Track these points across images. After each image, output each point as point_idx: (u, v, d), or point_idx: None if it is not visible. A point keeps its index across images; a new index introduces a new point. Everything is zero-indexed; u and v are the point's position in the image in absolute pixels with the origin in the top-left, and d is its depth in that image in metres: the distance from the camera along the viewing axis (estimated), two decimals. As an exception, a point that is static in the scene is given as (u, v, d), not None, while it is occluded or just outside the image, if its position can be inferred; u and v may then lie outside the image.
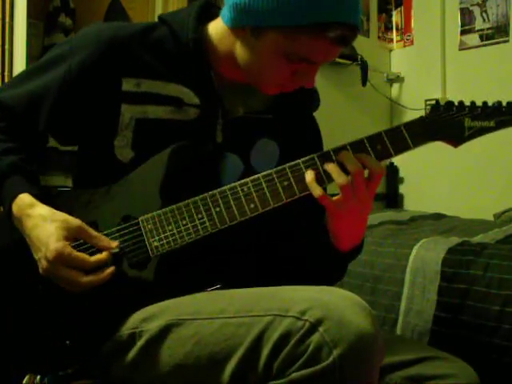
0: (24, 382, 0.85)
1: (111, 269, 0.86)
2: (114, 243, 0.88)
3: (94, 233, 0.87)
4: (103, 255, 0.86)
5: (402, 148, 0.89)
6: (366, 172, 0.88)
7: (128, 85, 0.94)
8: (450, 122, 0.90)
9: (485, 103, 0.91)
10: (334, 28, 0.86)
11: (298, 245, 1.03)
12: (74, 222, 0.87)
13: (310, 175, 0.87)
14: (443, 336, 1.55)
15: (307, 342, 0.70)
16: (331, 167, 0.87)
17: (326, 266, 1.01)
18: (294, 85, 0.95)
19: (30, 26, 2.02)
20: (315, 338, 0.70)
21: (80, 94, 0.95)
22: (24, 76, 1.00)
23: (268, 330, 0.73)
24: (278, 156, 1.00)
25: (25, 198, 0.88)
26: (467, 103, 0.91)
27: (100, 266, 0.85)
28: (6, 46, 1.88)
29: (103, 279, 0.85)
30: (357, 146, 0.88)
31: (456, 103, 0.91)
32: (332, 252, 0.96)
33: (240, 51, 0.93)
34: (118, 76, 0.95)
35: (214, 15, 1.00)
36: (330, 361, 0.68)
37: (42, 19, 2.34)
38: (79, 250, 0.86)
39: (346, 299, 0.75)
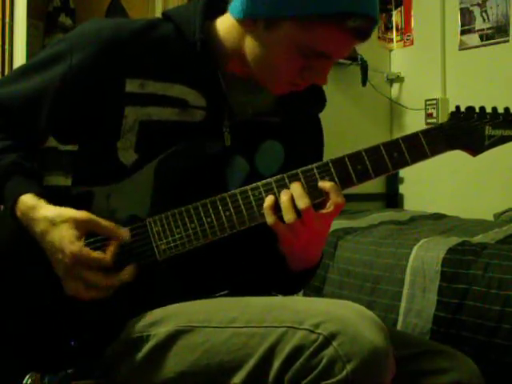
0: (25, 381, 0.84)
1: (131, 268, 0.84)
2: (124, 232, 0.85)
3: (101, 223, 0.85)
4: (112, 248, 0.84)
5: (418, 156, 0.86)
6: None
7: (132, 86, 0.91)
8: (470, 130, 0.87)
9: (506, 109, 0.89)
10: (357, 19, 0.83)
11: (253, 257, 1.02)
12: (82, 216, 0.84)
13: (268, 201, 0.85)
14: (443, 336, 1.55)
15: (320, 355, 0.69)
16: (283, 201, 0.84)
17: (279, 281, 1.01)
18: (304, 82, 0.92)
19: (30, 26, 2.02)
20: (329, 352, 0.69)
21: (81, 94, 0.92)
22: (21, 73, 0.97)
23: (281, 342, 0.72)
24: (284, 159, 0.98)
25: (26, 201, 0.85)
26: (488, 109, 0.88)
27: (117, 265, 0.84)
28: (6, 46, 1.88)
29: (126, 279, 0.83)
30: (373, 153, 0.86)
31: (477, 109, 0.88)
32: (283, 269, 0.96)
33: (250, 46, 0.90)
34: (121, 77, 0.91)
35: (221, 10, 0.96)
36: (343, 375, 0.68)
37: (42, 19, 2.35)
38: (93, 248, 0.84)
39: (360, 314, 0.74)
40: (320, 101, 1.06)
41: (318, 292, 1.88)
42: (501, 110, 0.90)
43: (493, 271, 1.55)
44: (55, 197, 0.90)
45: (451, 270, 1.61)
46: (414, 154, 0.86)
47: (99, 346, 0.86)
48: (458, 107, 0.89)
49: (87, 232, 0.84)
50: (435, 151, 0.87)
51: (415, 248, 1.75)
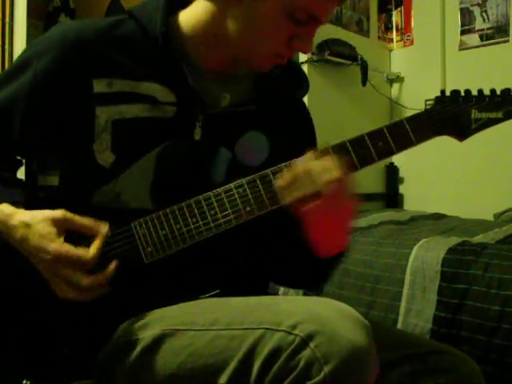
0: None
1: (111, 267, 0.82)
2: (104, 226, 0.84)
3: (79, 220, 0.84)
4: (94, 245, 0.82)
5: (404, 144, 0.84)
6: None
7: (99, 86, 0.90)
8: (455, 115, 0.85)
9: (493, 91, 0.86)
10: None
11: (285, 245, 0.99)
12: (57, 214, 0.82)
13: (285, 179, 0.82)
14: (443, 336, 1.55)
15: (298, 357, 0.68)
16: (280, 185, 0.82)
17: (305, 270, 0.97)
18: (290, 52, 0.91)
19: (30, 25, 2.02)
20: (306, 354, 0.67)
21: (49, 99, 0.91)
22: None
23: (259, 344, 0.71)
24: (268, 147, 0.95)
25: (3, 210, 0.84)
26: (474, 92, 0.86)
27: (100, 263, 0.82)
28: (6, 46, 1.88)
29: (105, 278, 0.82)
30: (357, 143, 0.84)
31: (462, 92, 0.86)
32: (309, 256, 0.92)
33: (232, 23, 0.88)
34: (87, 78, 0.90)
35: (185, 3, 0.95)
36: (321, 377, 0.66)
37: (42, 19, 2.34)
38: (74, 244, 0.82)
39: (340, 312, 0.72)
40: (302, 84, 1.04)
41: (318, 292, 1.88)
42: (487, 92, 0.88)
43: (493, 271, 1.55)
44: (56, 199, 0.90)
45: (451, 270, 1.61)
46: (400, 143, 0.84)
47: (91, 352, 0.85)
48: (443, 92, 0.87)
49: (65, 230, 0.83)
50: (421, 138, 0.85)
51: (415, 248, 1.75)
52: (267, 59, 0.92)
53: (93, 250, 0.82)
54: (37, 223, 0.82)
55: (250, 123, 0.96)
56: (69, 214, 0.83)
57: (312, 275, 1.01)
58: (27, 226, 0.82)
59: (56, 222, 0.82)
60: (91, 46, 0.91)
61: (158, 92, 0.92)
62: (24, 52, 0.95)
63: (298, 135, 1.03)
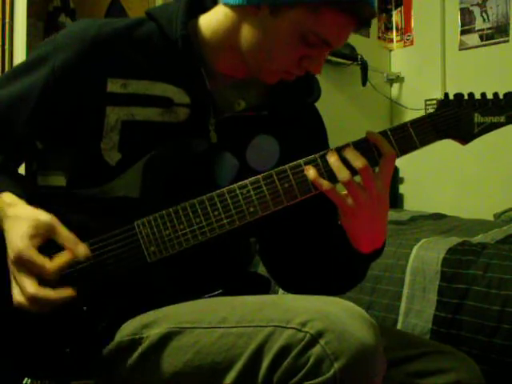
0: (24, 382, 0.84)
1: (67, 292, 0.78)
2: (82, 248, 0.80)
3: (63, 232, 0.81)
4: (60, 259, 0.79)
5: (408, 148, 0.85)
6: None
7: (114, 86, 0.91)
8: (458, 119, 0.86)
9: (495, 95, 0.87)
10: (367, 7, 0.84)
11: (309, 246, 0.99)
12: (44, 218, 0.80)
13: (312, 172, 0.84)
14: (443, 336, 1.55)
15: (307, 354, 0.68)
16: (332, 162, 0.83)
17: (344, 268, 0.96)
18: (299, 71, 0.91)
19: (29, 25, 2.01)
20: (316, 351, 0.68)
21: (64, 95, 0.91)
22: (8, 77, 0.96)
23: (268, 341, 0.72)
24: (279, 153, 0.96)
25: (5, 198, 0.84)
26: (477, 96, 0.87)
27: (66, 278, 0.79)
28: (6, 46, 1.88)
29: (54, 299, 0.78)
30: (360, 145, 0.84)
31: (466, 96, 0.87)
32: (351, 253, 0.92)
33: (247, 33, 0.89)
34: (103, 76, 0.90)
35: (206, 8, 0.96)
36: (331, 374, 0.67)
37: (42, 19, 2.34)
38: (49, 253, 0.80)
39: (348, 311, 0.73)
40: (314, 90, 1.04)
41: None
42: (490, 96, 0.88)
43: (493, 271, 1.55)
44: (56, 198, 0.90)
45: (451, 269, 1.61)
46: (403, 146, 0.85)
47: (94, 351, 0.85)
48: (446, 95, 0.88)
49: (45, 236, 0.80)
50: (424, 142, 0.86)
51: (415, 248, 1.75)
52: (275, 74, 0.92)
53: (55, 263, 0.79)
54: (21, 219, 0.80)
55: (262, 128, 0.97)
56: (55, 222, 0.81)
57: (348, 274, 0.99)
58: (16, 218, 0.81)
59: (38, 225, 0.80)
60: (110, 45, 0.91)
61: (173, 93, 0.92)
62: (42, 46, 0.95)
63: (310, 141, 1.03)
